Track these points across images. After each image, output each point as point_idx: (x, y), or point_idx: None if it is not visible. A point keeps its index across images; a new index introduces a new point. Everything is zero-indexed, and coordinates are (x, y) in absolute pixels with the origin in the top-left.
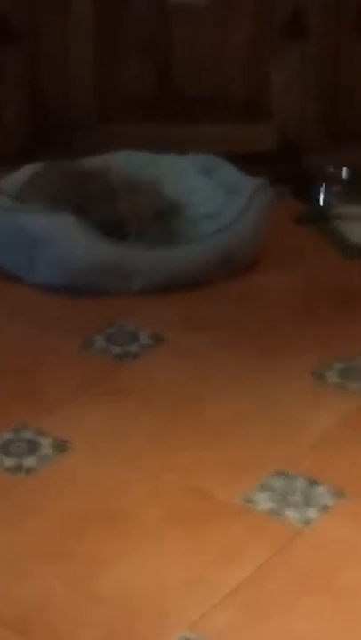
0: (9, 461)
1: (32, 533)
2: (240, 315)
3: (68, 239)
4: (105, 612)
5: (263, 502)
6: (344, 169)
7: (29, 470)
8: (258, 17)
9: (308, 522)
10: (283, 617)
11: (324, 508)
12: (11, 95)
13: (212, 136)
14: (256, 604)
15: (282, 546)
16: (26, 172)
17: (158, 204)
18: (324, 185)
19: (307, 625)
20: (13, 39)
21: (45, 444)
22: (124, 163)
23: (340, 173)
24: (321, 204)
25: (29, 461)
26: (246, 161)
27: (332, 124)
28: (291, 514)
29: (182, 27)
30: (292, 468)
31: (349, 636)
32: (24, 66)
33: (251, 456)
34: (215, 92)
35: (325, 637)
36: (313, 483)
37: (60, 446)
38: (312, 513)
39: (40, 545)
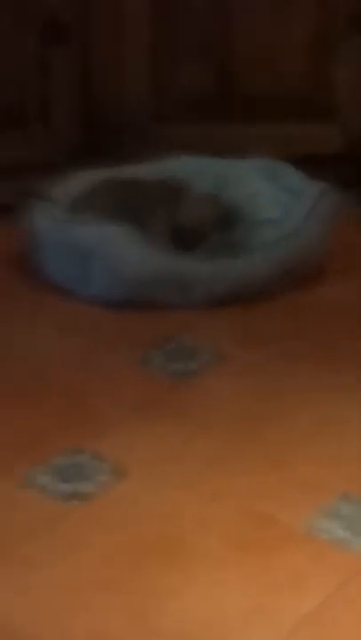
0: (64, 487)
1: (87, 563)
2: (304, 328)
3: (123, 250)
4: None
5: (329, 529)
6: None
7: (84, 497)
8: (321, 10)
9: None
10: None
11: None
12: (60, 97)
13: (274, 137)
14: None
15: (350, 576)
16: (80, 180)
17: (218, 212)
18: None
19: None
20: (62, 38)
21: (101, 469)
22: (182, 167)
23: None
24: None
25: (84, 487)
26: (310, 164)
27: None
28: (359, 542)
29: (242, 22)
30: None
31: None
32: (74, 66)
33: (316, 479)
34: (276, 90)
35: None
36: None
37: (116, 471)
38: None
39: (96, 576)
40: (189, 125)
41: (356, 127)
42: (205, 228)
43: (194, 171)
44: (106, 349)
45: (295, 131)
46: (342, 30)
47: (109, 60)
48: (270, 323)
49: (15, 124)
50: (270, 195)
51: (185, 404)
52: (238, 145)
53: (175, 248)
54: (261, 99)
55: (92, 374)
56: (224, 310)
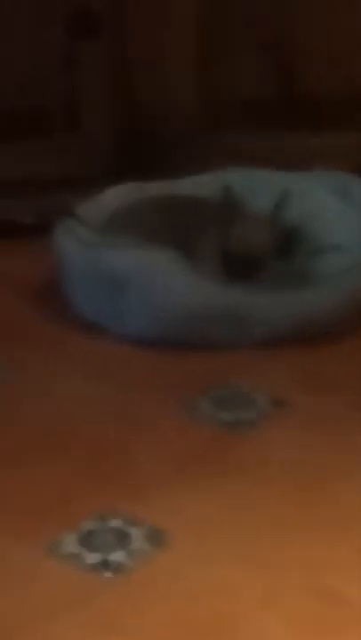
0: (92, 557)
1: None
2: None
3: (165, 279)
4: None
5: None
6: None
7: (118, 568)
8: None
9: None
10: None
11: None
12: (94, 100)
13: (345, 148)
14: None
15: None
16: (114, 196)
17: (278, 235)
18: None
19: None
20: (96, 33)
21: (138, 536)
22: (237, 182)
23: None
24: None
25: (117, 556)
26: None
27: None
28: None
29: (306, 15)
30: None
31: None
32: (107, 62)
33: None
34: (347, 93)
35: None
36: None
37: (157, 538)
38: None
39: None
40: (245, 134)
41: None
42: (263, 254)
43: (250, 186)
44: (143, 396)
45: None
46: None
47: (150, 60)
48: (339, 366)
49: (39, 132)
50: (340, 215)
51: (238, 459)
52: (304, 157)
53: (227, 277)
54: (329, 102)
55: (126, 425)
56: (284, 350)
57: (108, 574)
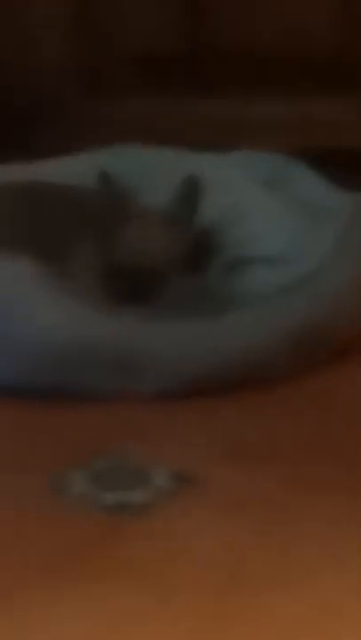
0: None
1: None
2: (323, 434)
3: (24, 303)
4: None
5: None
6: None
7: None
8: None
9: None
10: None
11: None
12: None
13: (277, 119)
14: None
15: None
16: None
17: (184, 241)
18: None
19: None
20: None
21: None
22: (121, 167)
23: None
24: None
25: None
26: (338, 161)
27: None
28: None
29: None
30: None
31: None
32: None
33: None
34: (284, 45)
35: None
36: None
37: None
38: None
39: None
40: (136, 99)
41: None
42: (162, 265)
43: (142, 173)
44: None
45: (313, 109)
46: None
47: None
48: (267, 425)
49: None
50: (270, 211)
51: (129, 558)
52: (219, 131)
53: (112, 300)
54: (259, 59)
55: None
56: (192, 404)
57: None
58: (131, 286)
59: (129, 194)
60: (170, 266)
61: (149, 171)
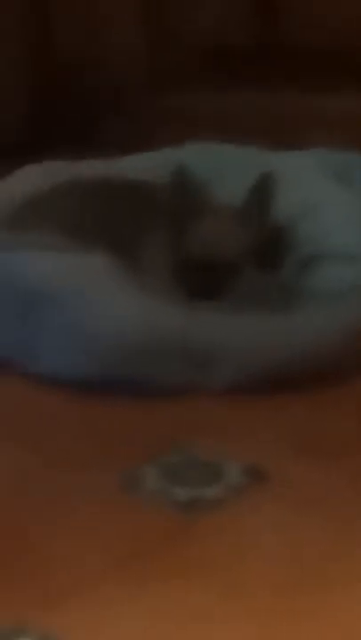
0: None
1: None
2: None
3: (96, 297)
4: None
5: None
6: None
7: None
8: None
9: None
10: None
11: None
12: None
13: (351, 114)
14: None
15: None
16: (22, 180)
17: (257, 236)
18: None
19: None
20: None
21: None
22: (195, 163)
23: None
24: None
25: None
26: None
27: None
28: None
29: None
30: None
31: None
32: (22, 9)
33: None
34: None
35: None
36: None
37: None
38: None
39: None
40: (208, 94)
41: None
42: (235, 260)
43: (215, 168)
44: (64, 465)
45: None
46: None
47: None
48: (341, 421)
49: None
50: (343, 207)
51: (200, 553)
52: (290, 125)
53: (183, 294)
54: (329, 53)
55: (40, 509)
56: (263, 399)
57: None
58: (203, 280)
59: (203, 189)
60: (241, 261)
61: (223, 166)
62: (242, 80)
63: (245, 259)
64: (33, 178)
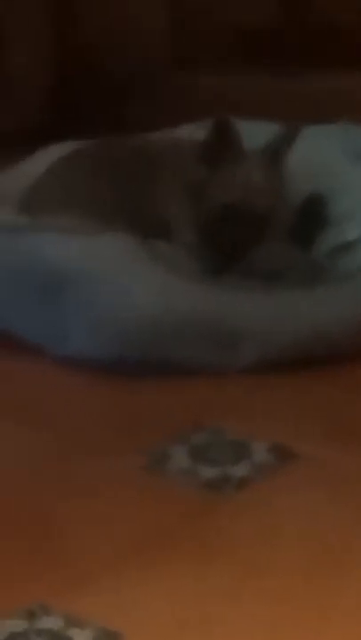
0: None
1: None
2: None
3: (119, 279)
4: None
5: None
6: None
7: None
8: None
9: None
10: None
11: None
12: (22, 33)
13: None
14: None
15: None
16: (44, 161)
17: (287, 213)
18: None
19: None
20: None
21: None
22: None
23: None
24: None
25: None
26: None
27: None
28: None
29: None
30: None
31: None
32: None
33: None
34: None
35: None
36: None
37: None
38: None
39: None
40: (236, 74)
41: None
42: (263, 209)
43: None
44: (90, 446)
45: None
46: None
47: None
48: None
49: None
50: None
51: (227, 533)
52: (317, 104)
53: (211, 271)
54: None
55: (67, 488)
56: (290, 379)
57: None
58: (234, 258)
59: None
60: (272, 211)
61: (249, 142)
62: (267, 61)
63: (274, 209)
64: (51, 158)
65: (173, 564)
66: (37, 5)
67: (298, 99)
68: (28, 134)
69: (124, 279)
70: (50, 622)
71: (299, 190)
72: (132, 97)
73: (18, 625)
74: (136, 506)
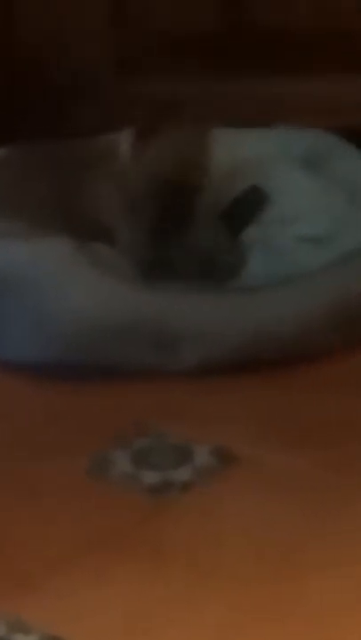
0: None
1: None
2: None
3: (62, 281)
4: None
5: None
6: None
7: None
8: None
9: None
10: None
11: None
12: None
13: (316, 96)
14: None
15: None
16: None
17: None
18: None
19: None
20: None
21: None
22: None
23: None
24: None
25: None
26: None
27: None
28: None
29: None
30: None
31: None
32: None
33: None
34: (322, 23)
35: None
36: None
37: None
38: None
39: None
40: (177, 81)
41: None
42: (196, 180)
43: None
44: (32, 449)
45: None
46: None
47: None
48: (313, 404)
49: None
50: (311, 191)
51: (169, 538)
52: (256, 109)
53: (153, 273)
54: (295, 36)
55: (6, 495)
56: (232, 381)
57: None
58: (180, 262)
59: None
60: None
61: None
62: (211, 65)
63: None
64: None
65: (120, 568)
66: None
67: (242, 103)
68: None
69: (63, 283)
70: None
71: (236, 189)
72: (75, 98)
73: None
74: (80, 509)
